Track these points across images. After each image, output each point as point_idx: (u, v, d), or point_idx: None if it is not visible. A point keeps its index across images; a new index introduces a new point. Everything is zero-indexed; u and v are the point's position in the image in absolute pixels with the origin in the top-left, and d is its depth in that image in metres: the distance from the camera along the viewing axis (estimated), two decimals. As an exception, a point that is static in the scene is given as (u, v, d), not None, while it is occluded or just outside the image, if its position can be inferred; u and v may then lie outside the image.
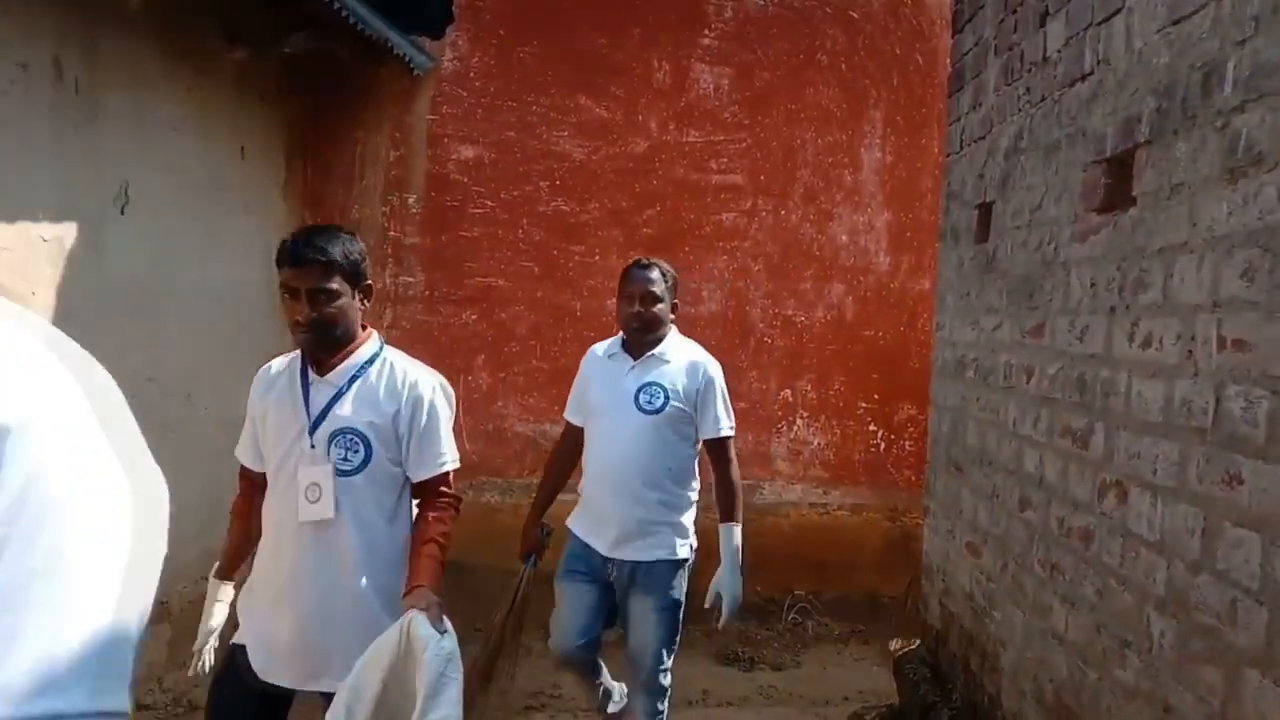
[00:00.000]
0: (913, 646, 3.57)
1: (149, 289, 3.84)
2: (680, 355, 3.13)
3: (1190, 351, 1.67)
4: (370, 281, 2.33)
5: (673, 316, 3.18)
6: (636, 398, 3.03)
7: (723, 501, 3.14)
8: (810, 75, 5.23)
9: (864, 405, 5.30)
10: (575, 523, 3.27)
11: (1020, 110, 2.63)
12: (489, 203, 5.18)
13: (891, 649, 3.70)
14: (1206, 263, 1.63)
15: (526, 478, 5.25)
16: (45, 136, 3.21)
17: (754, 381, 5.30)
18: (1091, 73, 2.15)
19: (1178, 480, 1.69)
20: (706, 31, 5.20)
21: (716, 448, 3.13)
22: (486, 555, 5.13)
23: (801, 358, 5.30)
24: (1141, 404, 1.84)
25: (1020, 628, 2.44)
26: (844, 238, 5.30)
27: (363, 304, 2.31)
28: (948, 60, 3.69)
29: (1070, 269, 2.23)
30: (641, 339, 3.11)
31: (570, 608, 3.21)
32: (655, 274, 3.11)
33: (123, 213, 3.65)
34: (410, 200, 5.19)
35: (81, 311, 3.40)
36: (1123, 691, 1.86)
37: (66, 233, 3.34)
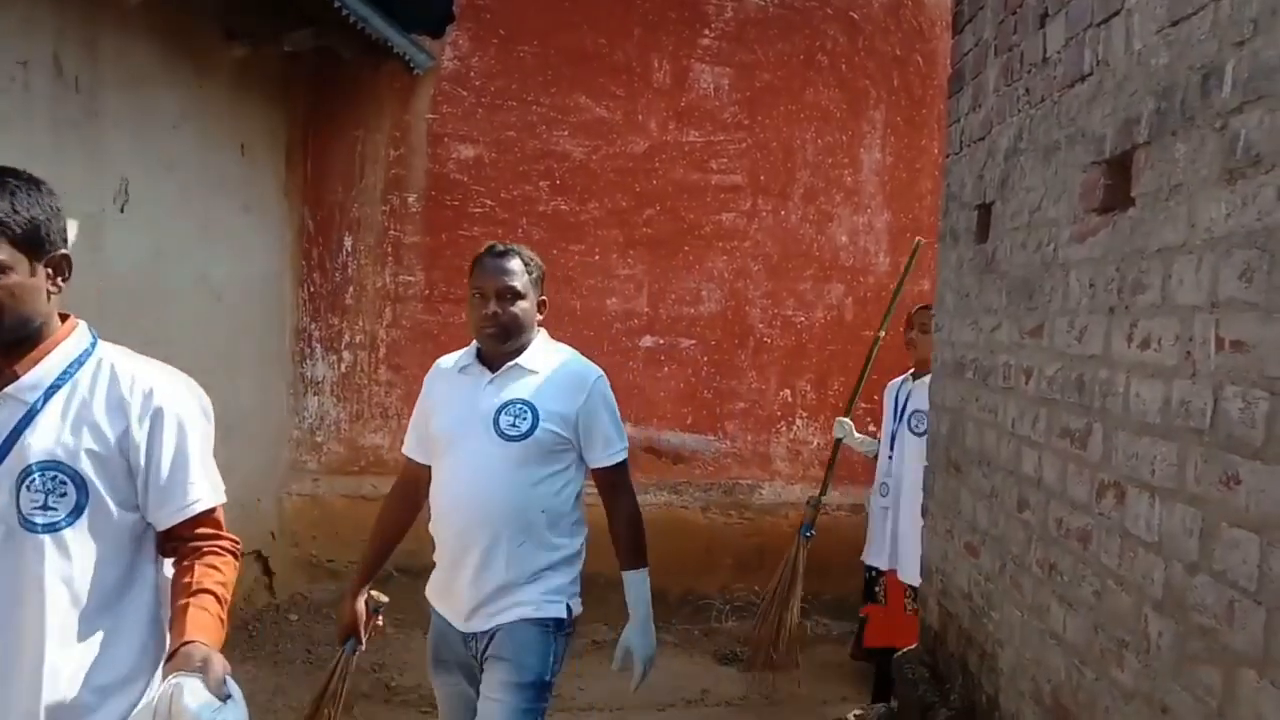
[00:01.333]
0: (911, 647, 3.58)
1: (148, 286, 3.84)
2: (551, 364, 2.47)
3: (1189, 352, 1.67)
4: (66, 252, 1.63)
5: (540, 316, 2.54)
6: (496, 420, 2.33)
7: (625, 542, 2.48)
8: (810, 76, 5.24)
9: (863, 405, 5.29)
10: (431, 591, 2.57)
11: (1020, 111, 2.63)
12: (489, 202, 5.18)
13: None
14: (1205, 264, 1.63)
15: (525, 477, 5.26)
16: (45, 134, 3.22)
17: (753, 381, 5.30)
18: (1091, 74, 2.15)
19: (1176, 481, 1.69)
20: (706, 31, 5.20)
21: (610, 477, 2.47)
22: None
23: (801, 358, 5.30)
24: (1140, 405, 1.84)
25: (1018, 628, 2.44)
26: (844, 238, 5.30)
27: (54, 283, 1.61)
28: (947, 61, 3.69)
29: (1069, 270, 2.23)
30: (500, 347, 2.41)
31: (445, 712, 2.58)
32: (515, 263, 2.46)
33: (123, 210, 3.65)
34: (410, 199, 5.19)
35: (81, 308, 3.38)
36: (1120, 692, 1.87)
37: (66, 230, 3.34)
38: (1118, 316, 1.96)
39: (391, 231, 5.20)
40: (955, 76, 3.35)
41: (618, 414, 2.53)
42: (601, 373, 2.55)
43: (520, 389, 2.39)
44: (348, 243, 5.21)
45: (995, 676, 2.59)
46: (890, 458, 4.08)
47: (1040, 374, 2.37)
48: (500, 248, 2.50)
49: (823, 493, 4.32)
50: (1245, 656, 1.47)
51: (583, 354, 2.66)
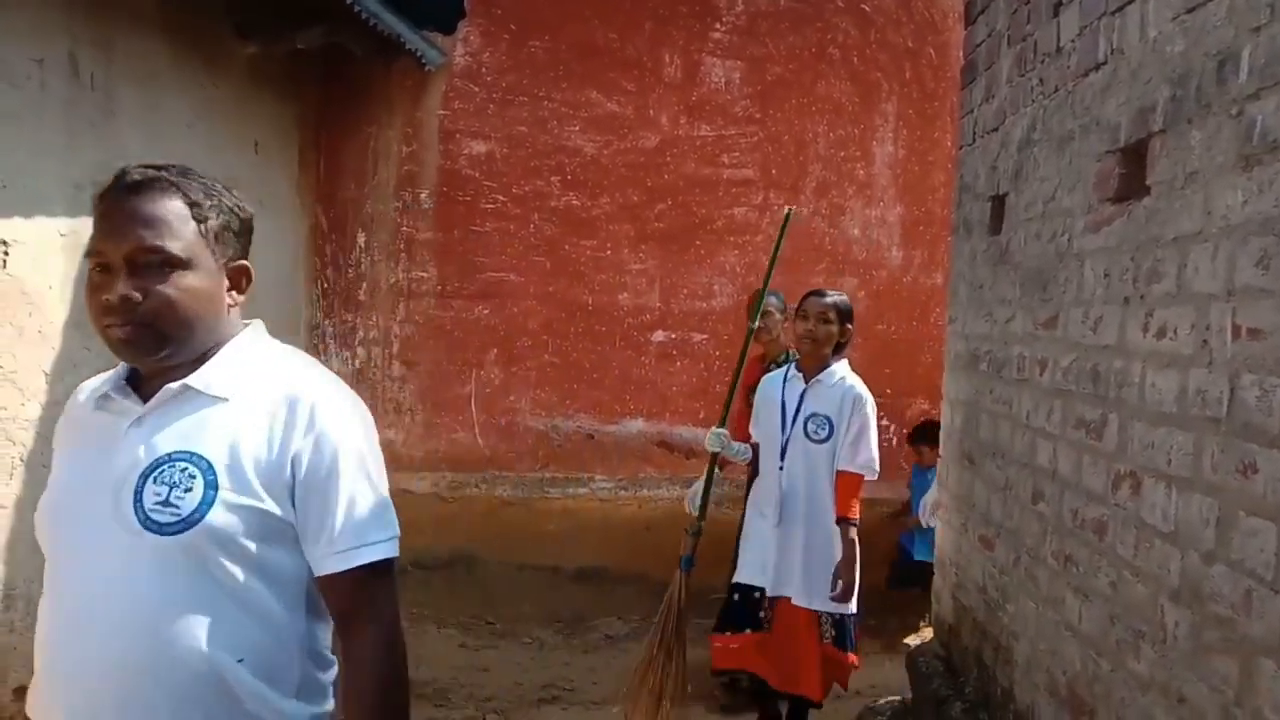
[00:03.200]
0: (925, 640, 3.57)
1: (164, 284, 3.87)
2: (254, 385, 1.37)
3: (1205, 341, 1.66)
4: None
5: (240, 298, 1.51)
6: (138, 494, 1.26)
7: (365, 709, 1.32)
8: (822, 69, 5.22)
9: (876, 400, 5.29)
10: None
11: (1033, 101, 2.62)
12: (500, 198, 5.19)
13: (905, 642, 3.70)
14: (1221, 251, 1.62)
15: (538, 472, 5.27)
16: (61, 131, 3.24)
17: (766, 376, 5.29)
18: (1105, 62, 2.14)
19: (1192, 470, 1.68)
20: (717, 25, 5.19)
21: (359, 588, 1.33)
22: (497, 550, 5.16)
23: (813, 352, 5.28)
24: (1155, 394, 1.83)
25: (1033, 620, 2.43)
26: (856, 232, 5.28)
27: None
28: (960, 53, 3.67)
29: (1084, 260, 2.22)
30: (147, 359, 1.35)
31: None
32: (165, 205, 1.35)
33: (138, 208, 3.67)
34: (422, 195, 5.20)
35: (97, 306, 3.43)
36: (1137, 683, 1.86)
37: (82, 227, 3.36)
38: (1133, 306, 1.95)
39: (404, 228, 5.22)
40: (968, 68, 3.33)
41: (379, 482, 1.39)
42: (356, 400, 1.45)
43: (191, 434, 1.30)
44: (361, 239, 5.23)
45: (1010, 669, 2.58)
46: (781, 468, 3.43)
47: (1055, 365, 2.36)
48: (138, 176, 1.34)
49: (702, 518, 3.55)
50: (1262, 645, 1.46)
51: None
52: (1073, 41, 2.34)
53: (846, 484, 3.38)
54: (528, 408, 5.27)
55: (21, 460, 3.10)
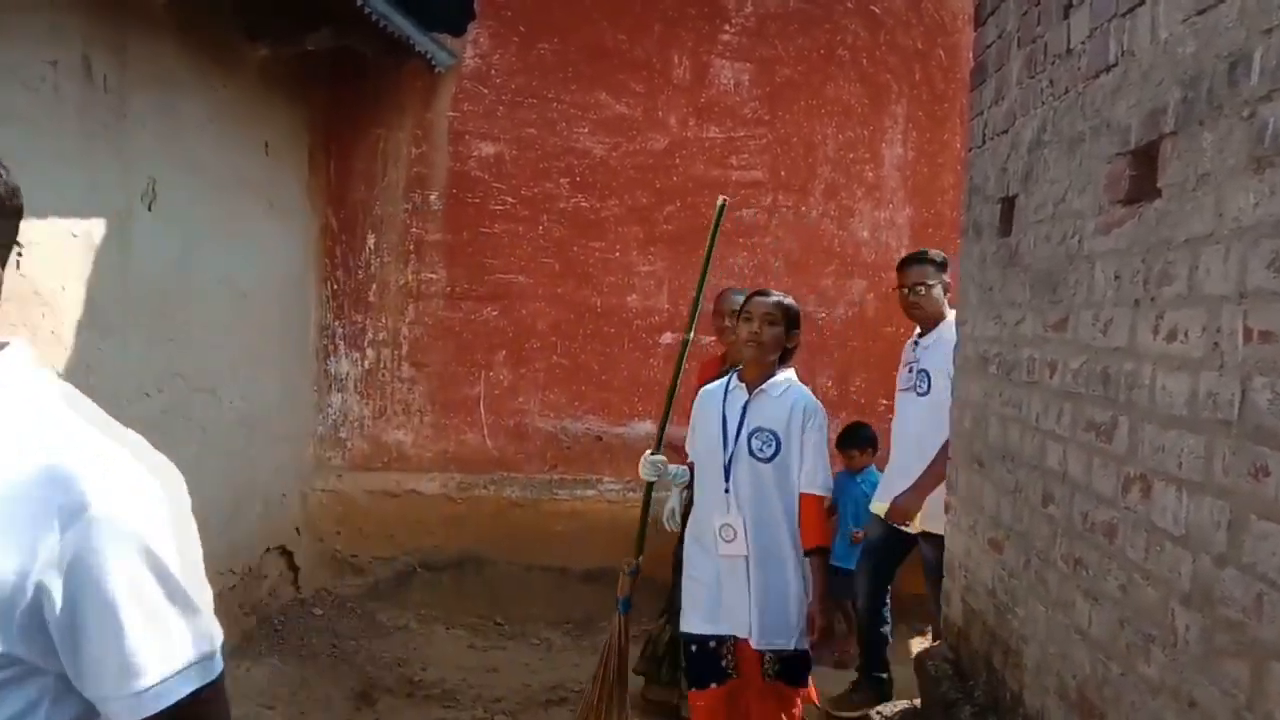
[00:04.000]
0: (935, 644, 3.56)
1: (175, 285, 3.89)
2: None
3: (1216, 343, 1.65)
4: None
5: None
6: None
7: None
8: (831, 70, 5.22)
9: (885, 402, 5.27)
10: None
11: (1044, 103, 2.61)
12: (510, 199, 5.20)
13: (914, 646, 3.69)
14: (1233, 254, 1.62)
15: (546, 473, 5.28)
16: (74, 134, 3.26)
17: (774, 378, 5.29)
18: (1116, 64, 2.13)
19: (1203, 473, 1.68)
20: (727, 27, 5.19)
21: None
22: (506, 551, 5.17)
23: (822, 354, 5.28)
24: (1166, 397, 1.82)
25: (1043, 623, 2.42)
26: (865, 234, 5.28)
27: None
28: (970, 54, 3.66)
29: (1094, 262, 2.21)
30: None
31: None
32: None
33: (150, 209, 3.70)
34: (432, 197, 5.22)
35: (109, 307, 3.45)
36: (1147, 687, 1.85)
37: (95, 229, 3.39)
38: (1143, 308, 1.94)
39: (413, 229, 5.23)
40: (978, 69, 3.33)
41: (190, 566, 1.06)
42: (154, 468, 1.03)
43: None
44: (370, 241, 5.24)
45: (1020, 672, 2.58)
46: (727, 490, 3.04)
47: (1065, 367, 2.35)
48: None
49: (639, 553, 3.39)
50: (1274, 649, 1.45)
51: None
52: (1083, 43, 2.33)
53: (812, 508, 3.05)
54: (536, 409, 5.27)
55: (34, 460, 3.12)
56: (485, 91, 5.17)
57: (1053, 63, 2.55)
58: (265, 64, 4.48)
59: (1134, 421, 1.96)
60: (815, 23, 5.19)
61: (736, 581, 3.04)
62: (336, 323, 5.26)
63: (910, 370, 3.97)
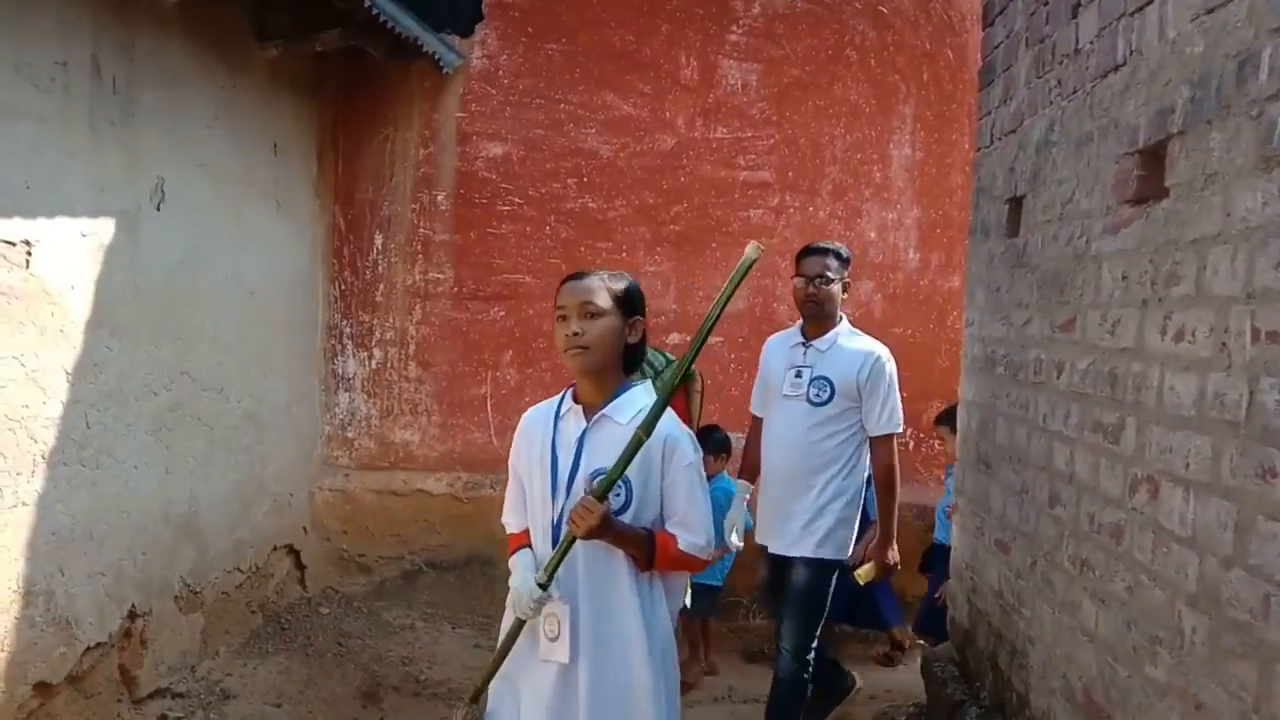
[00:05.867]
0: (940, 645, 3.55)
1: (183, 284, 3.90)
2: None
3: (1224, 344, 1.64)
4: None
5: None
6: None
7: None
8: (839, 71, 5.21)
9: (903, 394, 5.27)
10: None
11: (1051, 103, 2.60)
12: (517, 200, 5.21)
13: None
14: (1240, 254, 1.61)
15: (553, 473, 5.27)
16: (83, 133, 3.28)
17: (781, 378, 5.27)
18: (1124, 63, 2.13)
19: (1210, 474, 1.67)
20: (734, 27, 5.19)
21: None
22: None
23: (829, 355, 5.26)
24: (1174, 398, 1.82)
25: (1049, 625, 2.42)
26: (872, 234, 5.27)
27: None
28: (978, 55, 3.66)
29: (1102, 262, 2.20)
30: None
31: None
32: None
33: (158, 209, 3.71)
34: (439, 197, 5.23)
35: (118, 305, 3.46)
36: (1153, 688, 1.84)
37: (104, 228, 3.40)
38: (1151, 309, 1.93)
39: (421, 229, 5.24)
40: (986, 69, 3.32)
41: None
42: None
43: None
44: (378, 240, 5.26)
45: (1026, 674, 2.57)
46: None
47: (1072, 368, 2.35)
48: None
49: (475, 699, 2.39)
50: (1282, 652, 1.44)
51: None
52: (1091, 43, 2.32)
53: (681, 564, 2.18)
54: (543, 409, 5.27)
55: (43, 458, 3.14)
56: (493, 92, 5.18)
57: (1061, 62, 2.54)
58: (274, 64, 4.49)
59: (1141, 422, 1.95)
60: (823, 23, 5.18)
61: (561, 702, 2.10)
62: (344, 322, 5.28)
63: (798, 374, 3.42)
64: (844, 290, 3.49)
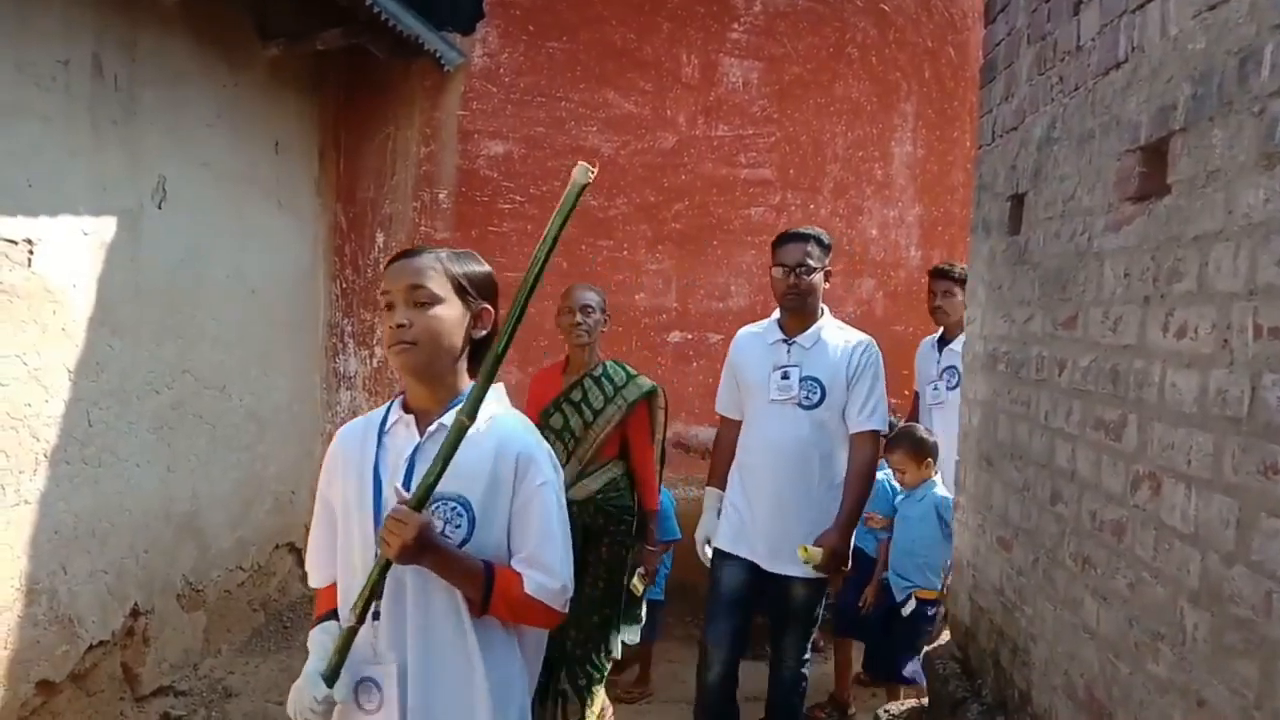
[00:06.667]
0: (942, 642, 3.55)
1: (185, 282, 3.91)
2: None
3: (1226, 340, 1.64)
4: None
5: None
6: None
7: None
8: (840, 69, 5.21)
9: (893, 401, 5.26)
10: None
11: (1053, 100, 2.60)
12: (518, 198, 5.21)
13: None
14: (1243, 250, 1.61)
15: (555, 471, 5.28)
16: (85, 132, 3.28)
17: (782, 376, 5.27)
18: (1126, 60, 2.12)
19: (1212, 471, 1.67)
20: (735, 25, 5.19)
21: None
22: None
23: (830, 353, 5.26)
24: (1176, 395, 1.82)
25: (1051, 622, 2.42)
26: (874, 232, 5.27)
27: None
28: (979, 52, 3.65)
29: (1104, 259, 2.20)
30: None
31: None
32: None
33: (160, 207, 3.71)
34: (441, 195, 5.23)
35: (120, 303, 3.47)
36: (1155, 685, 1.84)
37: (105, 226, 3.41)
38: (1153, 306, 1.93)
39: (422, 227, 5.24)
40: (987, 66, 3.32)
41: None
42: None
43: None
44: (379, 239, 5.26)
45: (1028, 671, 2.57)
46: (375, 617, 1.67)
47: (1074, 365, 2.35)
48: None
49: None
50: (1284, 648, 1.44)
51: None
52: (1093, 39, 2.32)
53: (527, 613, 1.72)
54: (544, 407, 5.27)
55: (45, 456, 3.14)
56: (494, 90, 5.18)
57: (1062, 59, 2.54)
58: (276, 63, 4.50)
59: (1143, 419, 1.95)
60: (824, 21, 5.18)
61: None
62: (345, 320, 5.28)
63: (785, 375, 3.15)
64: (825, 279, 3.23)
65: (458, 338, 1.77)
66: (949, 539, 3.91)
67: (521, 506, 1.71)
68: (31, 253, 3.02)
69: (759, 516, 3.18)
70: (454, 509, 1.66)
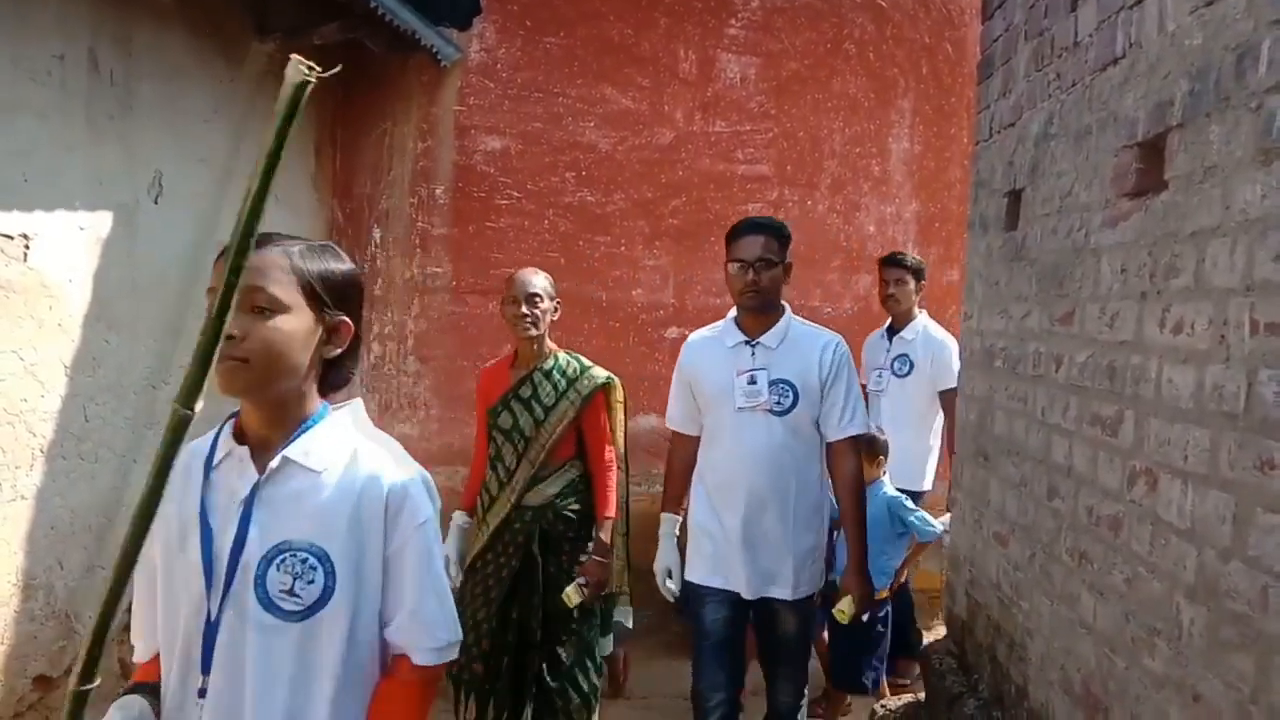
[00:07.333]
0: (939, 638, 3.56)
1: (182, 278, 3.90)
2: None
3: (1222, 336, 1.65)
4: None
5: None
6: None
7: None
8: (838, 64, 5.20)
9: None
10: None
11: (1050, 96, 2.60)
12: (515, 194, 5.20)
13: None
14: (1239, 246, 1.61)
15: (552, 467, 5.28)
16: (81, 127, 3.27)
17: (780, 372, 5.28)
18: (1123, 56, 2.13)
19: (1209, 467, 1.67)
20: (733, 21, 5.18)
21: None
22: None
23: (828, 349, 5.27)
24: (1172, 390, 1.82)
25: (1048, 617, 2.42)
26: (871, 228, 5.27)
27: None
28: (977, 48, 3.65)
29: (1100, 255, 2.21)
30: None
31: None
32: None
33: (156, 202, 3.70)
34: (438, 191, 5.22)
35: (116, 298, 3.46)
36: (1151, 680, 1.85)
37: (101, 222, 3.40)
38: (1150, 301, 1.94)
39: (419, 223, 5.23)
40: (985, 62, 3.32)
41: None
42: None
43: None
44: (376, 234, 5.25)
45: (1024, 666, 2.58)
46: (201, 694, 1.43)
47: (1071, 361, 2.35)
48: None
49: None
50: (1279, 643, 1.45)
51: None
52: (1090, 35, 2.32)
53: (432, 688, 1.53)
54: (542, 403, 5.27)
55: (41, 451, 3.14)
56: (491, 86, 5.17)
57: (1060, 55, 2.54)
58: (272, 58, 4.48)
59: (1140, 415, 1.96)
60: (822, 16, 5.18)
61: None
62: (342, 316, 5.27)
63: (752, 380, 2.91)
64: (786, 274, 2.96)
65: (304, 356, 1.39)
66: (903, 537, 3.92)
67: (396, 553, 1.41)
68: (27, 248, 3.02)
69: (734, 538, 2.92)
70: (305, 561, 1.34)
